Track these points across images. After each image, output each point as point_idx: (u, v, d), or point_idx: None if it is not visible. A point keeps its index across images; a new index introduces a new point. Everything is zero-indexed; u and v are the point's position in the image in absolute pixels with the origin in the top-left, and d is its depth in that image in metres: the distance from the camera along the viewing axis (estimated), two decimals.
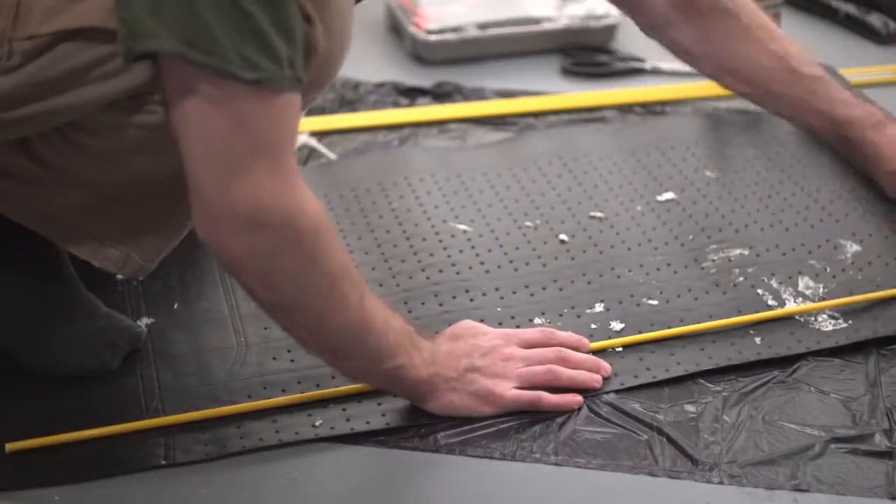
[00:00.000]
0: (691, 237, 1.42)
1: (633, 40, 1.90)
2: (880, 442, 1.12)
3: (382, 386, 1.16)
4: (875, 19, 1.93)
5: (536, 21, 1.88)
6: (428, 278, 1.35)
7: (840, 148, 1.48)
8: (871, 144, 1.43)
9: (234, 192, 0.97)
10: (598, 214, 1.46)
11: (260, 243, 1.00)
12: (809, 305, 1.29)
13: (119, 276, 1.15)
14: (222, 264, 1.03)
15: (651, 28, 1.45)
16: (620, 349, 1.24)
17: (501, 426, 1.15)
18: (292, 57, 0.96)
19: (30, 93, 1.00)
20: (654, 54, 1.84)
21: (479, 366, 1.15)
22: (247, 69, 0.93)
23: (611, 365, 1.20)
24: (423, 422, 1.15)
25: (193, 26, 0.91)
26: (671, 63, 1.81)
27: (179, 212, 1.15)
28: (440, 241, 1.41)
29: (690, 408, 1.17)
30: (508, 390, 1.15)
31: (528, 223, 1.45)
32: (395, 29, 1.94)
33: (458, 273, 1.35)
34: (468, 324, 1.20)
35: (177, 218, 1.16)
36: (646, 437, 1.14)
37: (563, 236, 1.42)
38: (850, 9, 1.97)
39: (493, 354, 1.16)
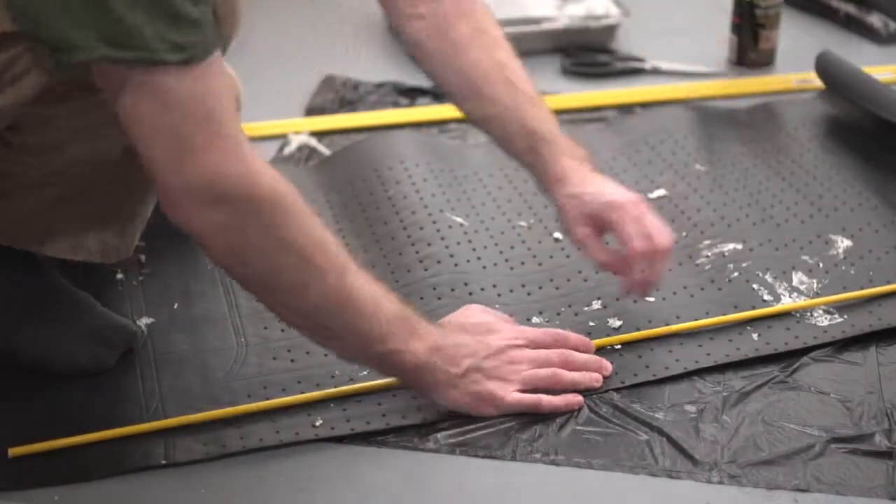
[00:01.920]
0: (684, 233, 1.42)
1: (633, 40, 1.90)
2: (880, 442, 1.12)
3: (379, 370, 1.16)
4: (875, 19, 1.93)
5: (536, 21, 1.89)
6: (426, 270, 1.35)
7: (524, 160, 1.31)
8: (562, 167, 1.28)
9: (186, 171, 0.99)
10: None
11: (220, 217, 1.01)
12: (805, 302, 1.29)
13: (105, 264, 1.17)
14: (194, 242, 1.06)
15: (396, 21, 1.33)
16: (619, 346, 1.24)
17: (501, 426, 1.14)
18: (205, 14, 0.97)
19: None
20: (654, 54, 1.85)
21: (483, 367, 1.15)
22: (173, 52, 0.95)
23: (611, 363, 1.20)
24: (423, 422, 1.15)
25: (111, 25, 0.93)
26: (671, 63, 1.82)
27: (136, 193, 1.18)
28: (437, 229, 1.41)
29: (690, 408, 1.17)
30: (510, 394, 1.15)
31: (521, 223, 1.45)
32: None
33: (456, 265, 1.36)
34: (479, 316, 1.20)
35: (135, 198, 1.18)
36: (646, 437, 1.14)
37: (557, 234, 1.42)
38: (850, 9, 1.97)
39: (499, 357, 1.16)
